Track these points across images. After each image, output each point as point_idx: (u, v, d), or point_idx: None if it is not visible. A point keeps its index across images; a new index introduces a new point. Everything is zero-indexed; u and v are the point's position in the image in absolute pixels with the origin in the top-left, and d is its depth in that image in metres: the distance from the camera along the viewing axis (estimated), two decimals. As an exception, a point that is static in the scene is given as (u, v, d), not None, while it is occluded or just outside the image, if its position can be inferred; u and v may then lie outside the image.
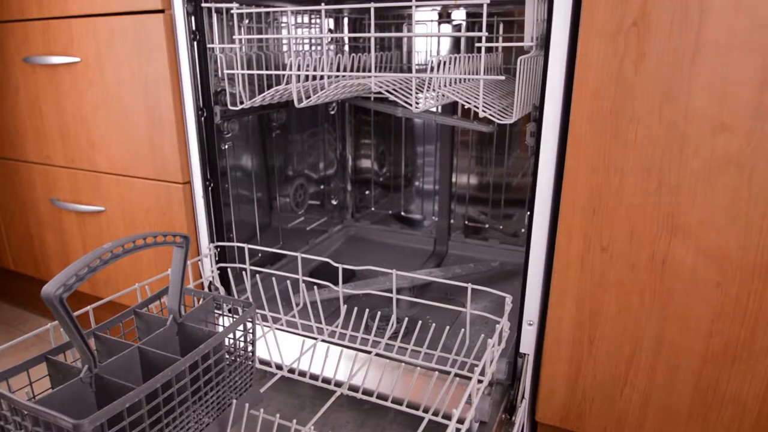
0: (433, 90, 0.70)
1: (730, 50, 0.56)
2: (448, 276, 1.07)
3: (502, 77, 0.63)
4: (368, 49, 1.20)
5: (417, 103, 0.68)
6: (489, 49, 0.94)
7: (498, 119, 0.66)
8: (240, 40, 0.82)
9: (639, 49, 0.60)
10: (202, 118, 0.90)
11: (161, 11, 0.87)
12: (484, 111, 0.65)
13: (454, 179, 1.24)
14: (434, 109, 1.16)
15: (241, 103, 0.81)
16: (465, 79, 0.78)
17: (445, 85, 0.72)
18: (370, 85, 0.71)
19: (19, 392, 0.51)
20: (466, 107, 0.85)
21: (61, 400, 0.49)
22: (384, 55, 1.12)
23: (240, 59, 0.81)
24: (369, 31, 0.80)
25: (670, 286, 0.66)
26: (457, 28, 1.16)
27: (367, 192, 1.39)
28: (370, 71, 0.70)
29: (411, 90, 0.69)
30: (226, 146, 0.97)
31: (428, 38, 1.18)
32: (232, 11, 0.76)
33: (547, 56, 0.64)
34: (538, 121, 0.67)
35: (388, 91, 0.69)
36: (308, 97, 0.74)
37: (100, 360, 0.54)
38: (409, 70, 1.21)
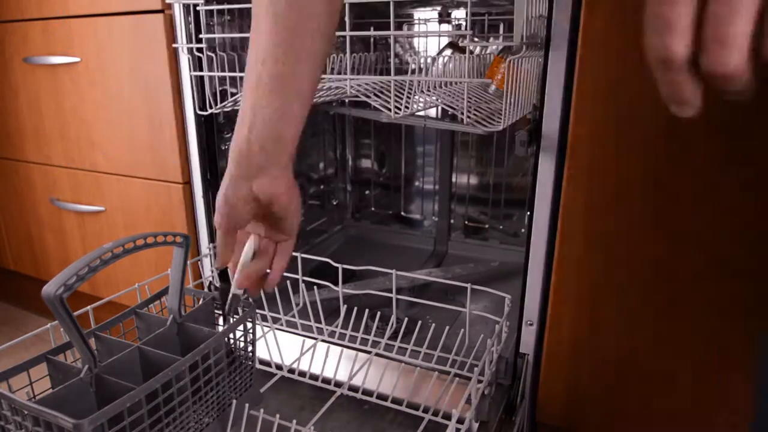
0: (416, 94, 0.66)
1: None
2: (448, 276, 1.07)
3: (489, 80, 0.61)
4: (362, 49, 1.19)
5: (398, 109, 0.63)
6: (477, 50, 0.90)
7: (484, 126, 0.62)
8: (205, 39, 0.78)
9: (641, 47, 0.60)
10: (202, 118, 0.90)
11: (161, 11, 0.87)
12: (468, 117, 0.60)
13: (454, 179, 1.24)
14: (424, 113, 1.14)
15: (210, 107, 0.79)
16: (451, 82, 0.75)
17: (430, 89, 0.69)
18: (346, 89, 0.66)
19: (20, 392, 0.51)
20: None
21: (61, 400, 0.49)
22: (363, 56, 1.05)
23: (210, 59, 0.79)
24: (366, 30, 0.80)
25: (670, 286, 0.66)
26: (457, 27, 1.16)
27: (367, 192, 1.39)
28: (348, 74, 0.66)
29: (391, 94, 0.64)
30: (226, 146, 0.97)
31: (426, 39, 1.18)
32: (198, 8, 0.74)
33: (547, 56, 0.64)
34: (538, 121, 0.67)
35: (366, 96, 0.65)
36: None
37: (101, 360, 0.54)
38: (400, 72, 1.20)
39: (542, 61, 0.65)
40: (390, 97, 0.63)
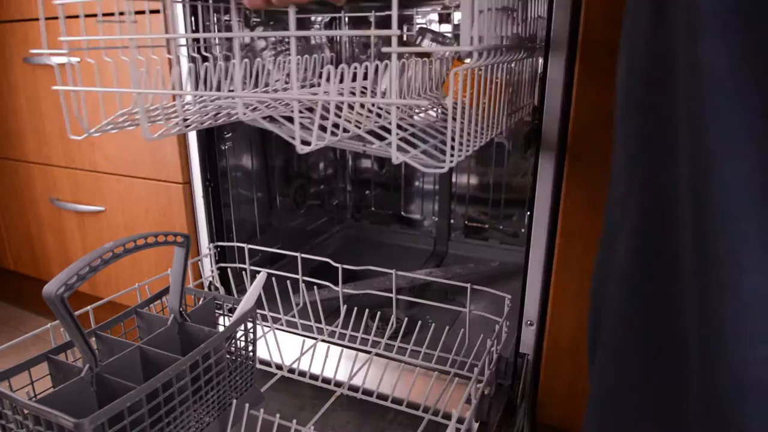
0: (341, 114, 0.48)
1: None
2: (448, 276, 1.07)
3: (424, 102, 0.43)
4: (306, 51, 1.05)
5: (306, 143, 0.42)
6: (420, 56, 0.64)
7: (421, 168, 0.42)
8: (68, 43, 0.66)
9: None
10: (203, 118, 0.90)
11: (162, 11, 0.87)
12: (396, 158, 0.40)
13: (454, 179, 1.24)
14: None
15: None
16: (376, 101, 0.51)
17: (370, 109, 0.51)
18: (237, 110, 0.46)
19: (20, 391, 0.51)
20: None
21: (62, 400, 0.49)
22: (283, 63, 0.71)
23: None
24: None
25: (669, 286, 0.66)
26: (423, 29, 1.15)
27: (367, 192, 1.39)
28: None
29: (295, 120, 0.41)
30: (226, 146, 0.98)
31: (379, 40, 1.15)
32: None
33: (547, 56, 0.64)
34: (539, 121, 0.67)
35: (271, 120, 0.48)
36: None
37: (101, 359, 0.54)
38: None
39: (514, 66, 0.60)
40: (312, 119, 0.44)
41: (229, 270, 0.93)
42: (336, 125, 0.45)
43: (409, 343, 0.78)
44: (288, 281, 0.84)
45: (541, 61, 0.67)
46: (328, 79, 0.46)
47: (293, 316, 0.86)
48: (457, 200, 1.26)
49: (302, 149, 0.41)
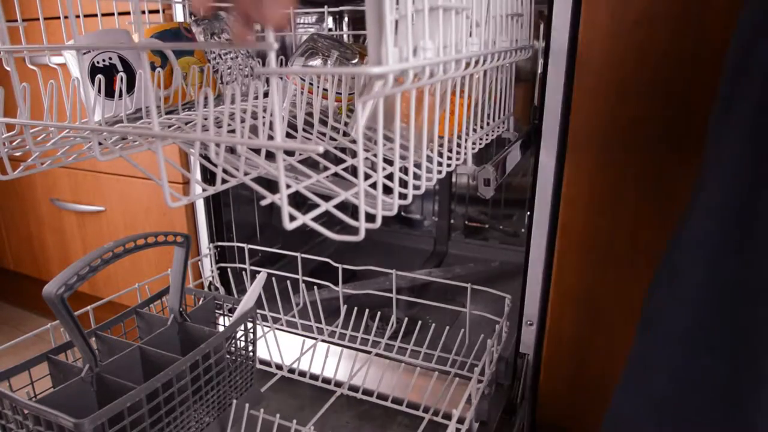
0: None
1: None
2: (448, 276, 1.07)
3: (317, 148, 0.28)
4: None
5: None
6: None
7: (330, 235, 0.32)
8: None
9: (641, 49, 0.60)
10: (203, 118, 0.90)
11: (161, 11, 0.87)
12: (288, 223, 0.30)
13: (454, 179, 1.24)
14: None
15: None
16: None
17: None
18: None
19: (20, 391, 0.51)
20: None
21: (62, 400, 0.49)
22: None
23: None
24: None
25: (669, 286, 0.66)
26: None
27: (367, 192, 1.39)
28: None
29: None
30: (227, 146, 0.97)
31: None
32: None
33: (548, 56, 0.64)
34: (539, 121, 0.67)
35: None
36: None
37: (101, 359, 0.54)
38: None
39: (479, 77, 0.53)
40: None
41: (229, 270, 0.93)
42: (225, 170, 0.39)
43: (409, 343, 0.78)
44: (288, 281, 0.84)
45: (540, 61, 0.67)
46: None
47: (293, 316, 0.86)
48: (457, 200, 1.26)
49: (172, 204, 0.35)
